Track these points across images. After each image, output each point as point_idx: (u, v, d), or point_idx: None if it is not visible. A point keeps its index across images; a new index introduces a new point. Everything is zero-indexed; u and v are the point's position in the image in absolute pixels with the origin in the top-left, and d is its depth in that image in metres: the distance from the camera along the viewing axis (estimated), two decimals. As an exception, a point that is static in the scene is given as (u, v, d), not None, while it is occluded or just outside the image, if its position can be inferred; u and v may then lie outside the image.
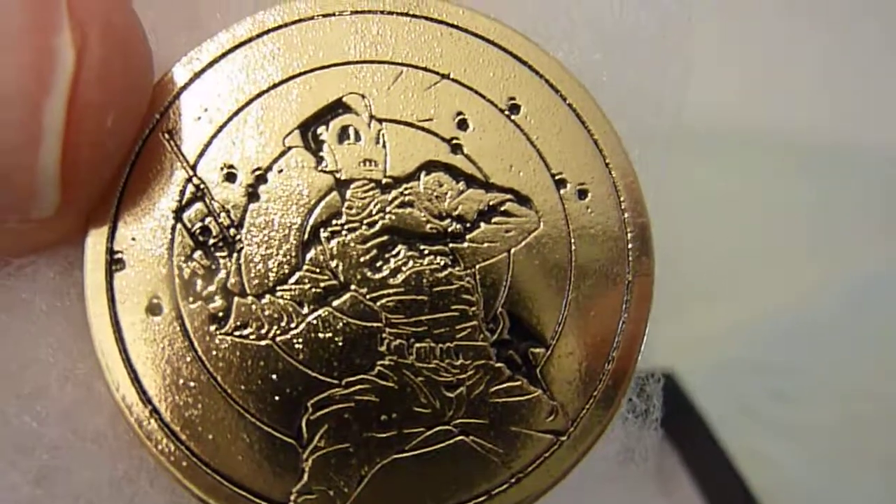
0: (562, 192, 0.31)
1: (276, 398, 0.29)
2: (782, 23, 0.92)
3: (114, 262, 0.29)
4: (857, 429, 0.73)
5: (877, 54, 0.93)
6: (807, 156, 0.90)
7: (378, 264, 0.30)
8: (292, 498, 0.28)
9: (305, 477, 0.28)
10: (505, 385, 0.30)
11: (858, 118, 0.91)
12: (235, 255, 0.29)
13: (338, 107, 0.31)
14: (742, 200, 0.85)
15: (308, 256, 0.30)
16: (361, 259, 0.30)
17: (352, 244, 0.30)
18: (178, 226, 0.29)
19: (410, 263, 0.30)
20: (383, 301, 0.30)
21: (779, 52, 0.91)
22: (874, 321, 0.81)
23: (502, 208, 0.31)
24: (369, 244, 0.30)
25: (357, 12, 0.31)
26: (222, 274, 0.29)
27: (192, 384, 0.29)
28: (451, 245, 0.30)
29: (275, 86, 0.30)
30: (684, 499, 0.61)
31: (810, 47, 0.92)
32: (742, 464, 0.61)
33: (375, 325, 0.30)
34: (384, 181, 0.30)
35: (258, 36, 0.31)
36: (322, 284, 0.30)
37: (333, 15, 0.31)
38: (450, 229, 0.30)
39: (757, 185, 0.87)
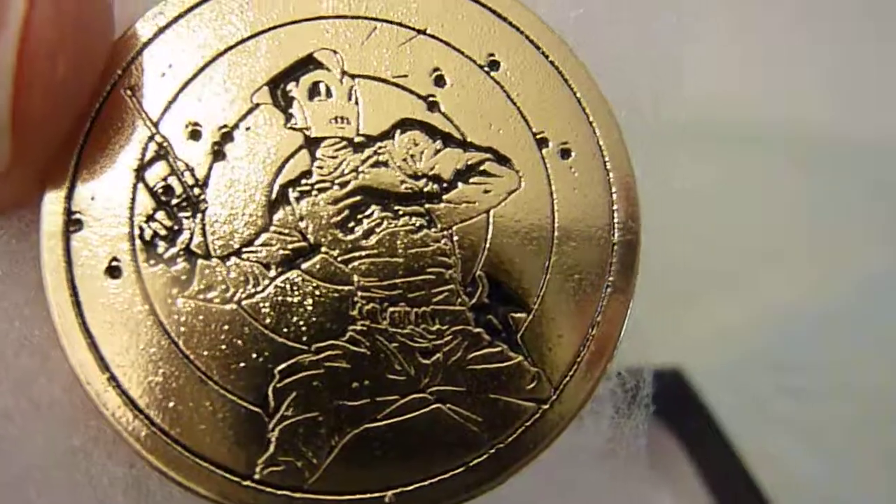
0: (543, 151, 0.30)
1: (242, 365, 0.27)
2: (783, 17, 0.91)
3: (71, 223, 0.28)
4: (868, 426, 0.72)
5: (879, 49, 0.93)
6: (815, 150, 0.89)
7: (350, 225, 0.29)
8: (258, 469, 0.27)
9: (272, 447, 0.27)
10: (484, 351, 0.28)
11: (868, 111, 0.90)
12: (199, 215, 0.28)
13: (308, 62, 0.29)
14: (754, 196, 0.85)
15: (276, 217, 0.28)
16: (332, 220, 0.29)
17: (322, 204, 0.29)
18: (140, 185, 0.28)
19: (384, 224, 0.29)
20: (355, 263, 0.28)
21: (780, 46, 0.91)
22: (886, 317, 0.80)
23: (481, 168, 0.29)
24: (341, 204, 0.29)
25: None
26: (185, 235, 0.28)
27: (152, 350, 0.27)
28: (426, 206, 0.29)
29: (243, 41, 0.29)
30: (692, 495, 0.60)
31: (811, 42, 0.91)
32: (751, 461, 0.60)
33: (347, 288, 0.28)
34: (357, 139, 0.29)
35: None
36: (290, 246, 0.28)
37: None
38: (426, 189, 0.29)
39: (768, 179, 0.86)
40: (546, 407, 0.28)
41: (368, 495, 0.27)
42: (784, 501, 0.58)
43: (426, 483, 0.27)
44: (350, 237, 0.28)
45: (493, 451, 0.28)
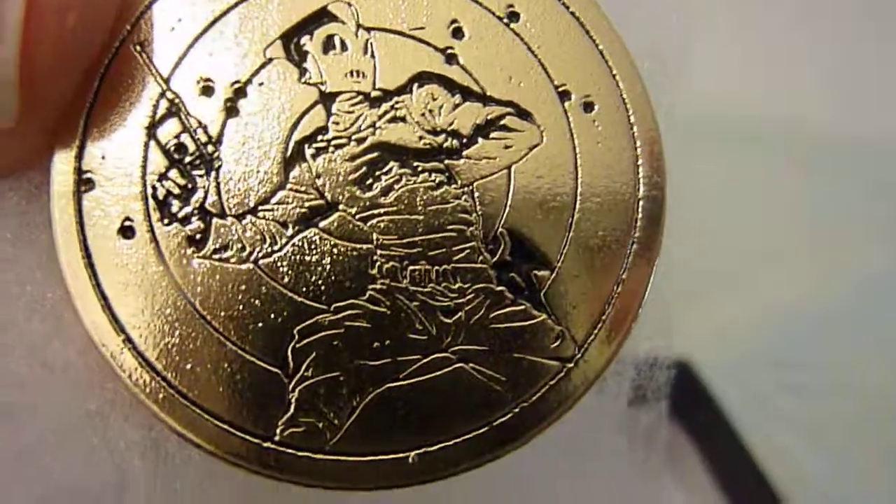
0: (566, 104, 0.29)
1: (260, 325, 0.27)
2: (783, 17, 0.90)
3: (82, 183, 0.27)
4: (869, 423, 0.72)
5: (880, 49, 0.91)
6: (816, 149, 0.88)
7: (368, 182, 0.28)
8: (278, 431, 0.26)
9: (292, 408, 0.26)
10: (507, 310, 0.28)
11: (868, 110, 0.89)
12: (213, 173, 0.27)
13: (322, 15, 0.28)
14: (754, 195, 0.84)
15: (292, 174, 0.28)
16: (350, 177, 0.28)
17: (339, 161, 0.28)
18: (152, 143, 0.27)
19: (403, 181, 0.28)
20: (374, 221, 0.28)
21: (780, 46, 0.89)
22: (887, 316, 0.79)
23: (501, 122, 0.28)
24: (358, 161, 0.28)
25: None
26: (199, 193, 0.27)
27: (168, 311, 0.27)
28: (446, 161, 0.28)
29: None
30: (701, 488, 0.60)
31: (811, 42, 0.90)
32: (759, 456, 0.60)
33: (366, 246, 0.27)
34: (373, 94, 0.28)
35: None
36: (307, 204, 0.27)
37: None
38: (445, 145, 0.28)
39: (776, 177, 0.85)
40: (570, 366, 0.28)
41: (391, 456, 0.27)
42: (790, 496, 0.58)
43: (449, 443, 0.27)
44: (368, 194, 0.28)
45: (516, 410, 0.27)
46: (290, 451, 0.26)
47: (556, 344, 0.28)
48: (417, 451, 0.27)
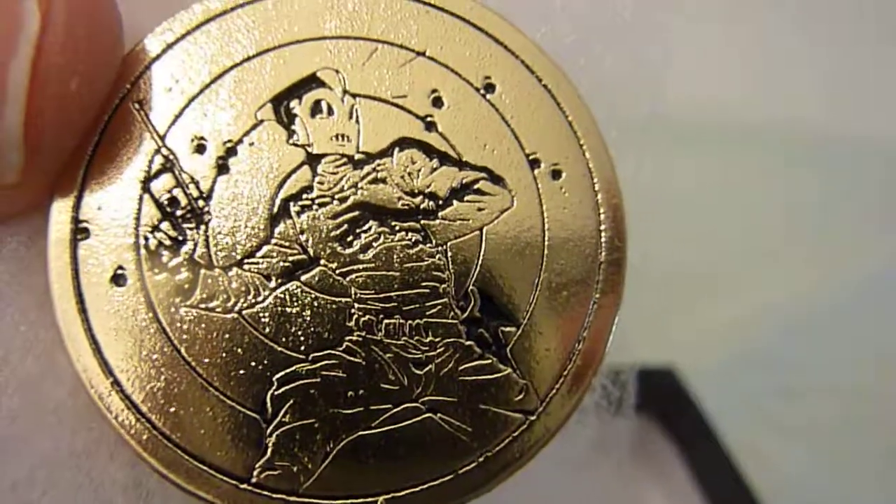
0: (535, 171, 0.31)
1: (241, 372, 0.28)
2: (781, 19, 0.92)
3: (79, 231, 0.29)
4: (860, 427, 0.73)
5: (877, 51, 0.93)
6: (809, 149, 0.89)
7: (349, 239, 0.30)
8: (255, 473, 0.28)
9: (269, 452, 0.28)
10: (475, 363, 0.29)
11: (862, 111, 0.90)
12: (203, 226, 0.29)
13: (311, 81, 0.30)
14: (746, 195, 0.85)
15: (277, 230, 0.29)
16: (332, 234, 0.30)
17: (322, 218, 0.30)
18: (146, 196, 0.29)
19: (381, 239, 0.30)
20: (353, 276, 0.29)
21: (778, 48, 0.91)
22: (878, 318, 0.80)
23: (475, 186, 0.30)
24: (340, 219, 0.30)
25: None
26: (189, 245, 0.29)
27: (155, 356, 0.28)
28: (422, 222, 0.30)
29: (248, 59, 0.30)
30: (683, 493, 0.61)
31: (809, 43, 0.91)
32: (743, 461, 0.60)
33: (344, 300, 0.29)
34: (357, 156, 0.30)
35: (233, 9, 0.30)
36: (291, 258, 0.29)
37: None
38: (422, 206, 0.30)
39: (760, 179, 0.86)
40: (533, 418, 0.29)
41: (361, 500, 0.28)
42: (774, 500, 0.58)
43: (417, 489, 0.28)
44: (348, 251, 0.29)
45: (481, 459, 0.29)
46: (265, 492, 0.28)
47: (520, 397, 0.29)
48: (386, 496, 0.28)
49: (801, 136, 0.89)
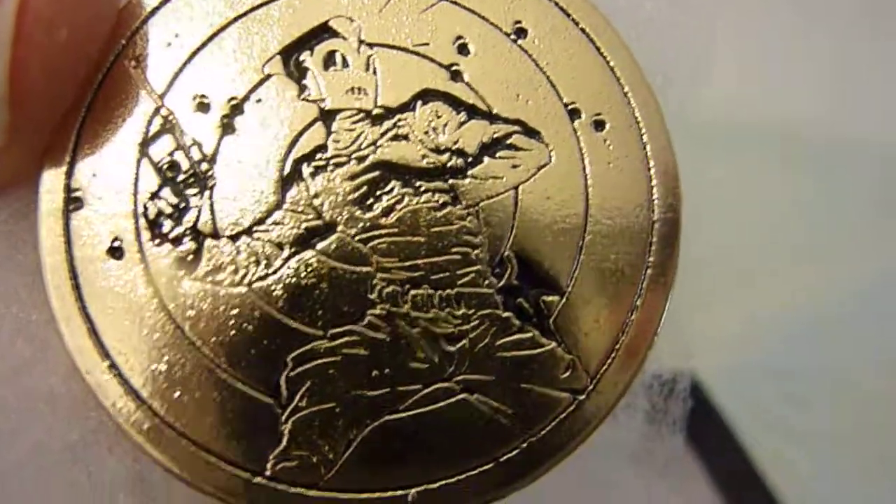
0: (575, 123, 0.28)
1: (252, 352, 0.25)
2: (782, 17, 0.90)
3: (71, 201, 0.26)
4: (875, 434, 0.71)
5: (880, 49, 0.91)
6: (823, 153, 0.87)
7: (368, 202, 0.27)
8: (269, 465, 0.25)
9: (285, 441, 0.25)
10: (514, 337, 0.26)
11: (867, 111, 0.88)
12: (207, 192, 0.26)
13: (324, 31, 0.28)
14: (757, 200, 0.83)
15: (289, 194, 0.26)
16: (350, 197, 0.27)
17: (338, 180, 0.27)
18: (144, 160, 0.26)
19: (405, 201, 0.27)
20: (374, 243, 0.26)
21: (779, 46, 0.89)
22: (888, 323, 0.78)
23: (508, 141, 0.27)
24: (358, 180, 0.27)
25: None
26: (192, 213, 0.26)
27: (156, 336, 0.25)
28: (450, 181, 0.27)
29: (254, 9, 0.28)
30: (702, 500, 0.58)
31: (810, 42, 0.89)
32: (765, 468, 0.59)
33: (365, 269, 0.26)
34: (375, 111, 0.27)
35: None
36: (305, 225, 0.26)
37: None
38: (449, 164, 0.27)
39: (774, 184, 0.84)
40: (582, 398, 0.26)
41: (389, 493, 0.25)
42: None
43: (452, 480, 0.25)
44: (368, 215, 0.26)
45: (524, 445, 0.25)
46: (281, 486, 0.25)
47: (566, 374, 0.26)
48: (417, 489, 0.25)
49: (819, 138, 0.87)
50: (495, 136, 0.27)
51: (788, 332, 0.78)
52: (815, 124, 0.87)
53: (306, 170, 0.27)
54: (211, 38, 0.27)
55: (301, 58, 0.27)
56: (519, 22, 0.28)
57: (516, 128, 0.27)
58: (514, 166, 0.27)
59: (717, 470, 0.60)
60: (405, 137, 0.27)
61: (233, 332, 0.25)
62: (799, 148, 0.86)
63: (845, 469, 0.68)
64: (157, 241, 0.26)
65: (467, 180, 0.27)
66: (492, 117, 0.27)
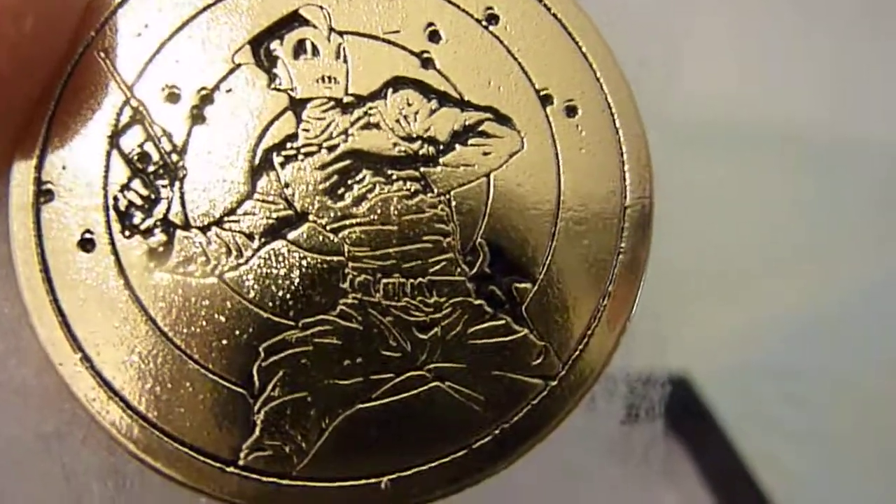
0: (547, 109, 0.27)
1: (224, 342, 0.25)
2: (781, 16, 0.89)
3: (42, 194, 0.26)
4: (872, 434, 0.71)
5: (881, 49, 0.90)
6: (824, 152, 0.87)
7: (339, 192, 0.27)
8: (242, 454, 0.25)
9: (257, 431, 0.25)
10: (486, 325, 0.26)
11: (868, 111, 0.87)
12: (178, 183, 0.26)
13: (293, 19, 0.27)
14: (756, 200, 0.83)
15: (259, 184, 0.26)
16: (320, 186, 0.27)
17: (309, 169, 0.27)
18: (114, 152, 0.26)
19: (376, 190, 0.26)
20: (346, 232, 0.26)
21: (778, 46, 0.88)
22: (888, 323, 0.77)
23: (480, 128, 0.27)
24: (329, 169, 0.27)
25: None
26: (163, 204, 0.26)
27: (128, 328, 0.25)
28: (422, 169, 0.27)
29: None
30: (695, 500, 0.59)
31: (810, 41, 0.89)
32: (757, 468, 0.59)
33: (337, 259, 0.26)
34: (346, 100, 0.27)
35: None
36: (275, 214, 0.26)
37: None
38: (420, 152, 0.27)
39: (770, 184, 0.84)
40: (554, 384, 0.26)
41: (362, 482, 0.25)
42: None
43: (425, 468, 0.25)
44: (339, 204, 0.26)
45: (497, 432, 0.26)
46: (254, 475, 0.25)
47: (538, 361, 0.26)
48: (390, 477, 0.25)
49: (816, 138, 0.87)
50: (467, 123, 0.27)
51: (788, 332, 0.78)
52: (816, 124, 0.86)
53: (277, 160, 0.27)
54: (180, 28, 0.27)
55: (271, 46, 0.27)
56: (490, 8, 0.28)
57: (488, 115, 0.27)
58: (486, 153, 0.27)
59: (713, 471, 0.61)
60: (376, 126, 0.27)
61: (204, 322, 0.25)
62: (799, 148, 0.86)
63: (844, 469, 0.68)
64: (127, 232, 0.26)
65: (439, 168, 0.27)
66: (463, 104, 0.27)
